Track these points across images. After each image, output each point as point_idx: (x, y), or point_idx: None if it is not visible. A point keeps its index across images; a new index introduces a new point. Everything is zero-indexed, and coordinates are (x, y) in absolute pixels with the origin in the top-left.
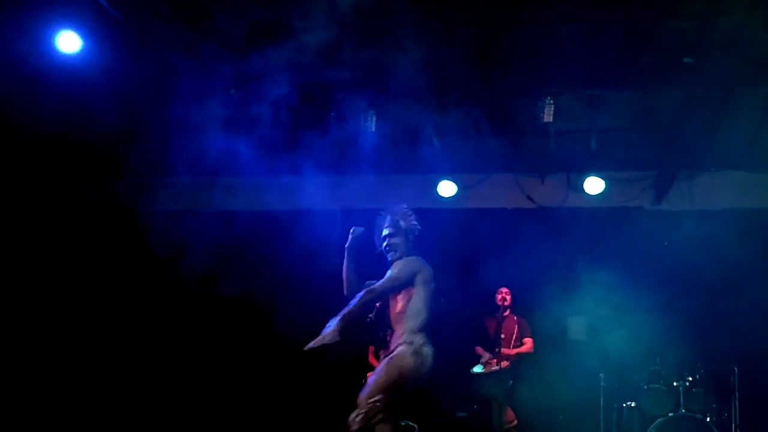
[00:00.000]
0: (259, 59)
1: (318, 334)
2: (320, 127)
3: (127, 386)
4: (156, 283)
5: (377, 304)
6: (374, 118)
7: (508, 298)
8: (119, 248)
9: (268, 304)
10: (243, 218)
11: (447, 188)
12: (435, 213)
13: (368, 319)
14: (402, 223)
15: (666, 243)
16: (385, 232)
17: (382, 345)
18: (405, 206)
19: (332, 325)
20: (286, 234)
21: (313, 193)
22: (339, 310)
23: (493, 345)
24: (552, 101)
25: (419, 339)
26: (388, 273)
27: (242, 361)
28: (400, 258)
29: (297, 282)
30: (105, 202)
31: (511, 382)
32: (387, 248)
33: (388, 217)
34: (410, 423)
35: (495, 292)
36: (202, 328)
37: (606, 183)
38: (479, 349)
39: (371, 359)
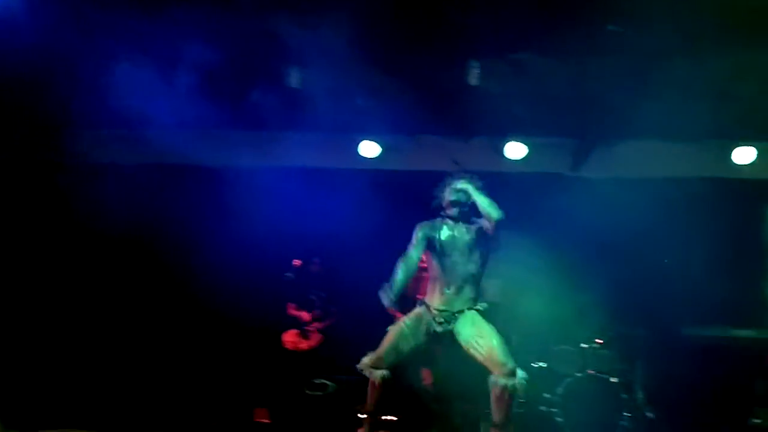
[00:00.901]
0: (177, 13)
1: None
2: (242, 84)
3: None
4: (73, 240)
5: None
6: (298, 75)
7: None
8: (33, 203)
9: (186, 261)
10: (160, 172)
11: (369, 149)
12: (357, 174)
13: (286, 277)
14: (464, 196)
15: (582, 209)
16: (453, 197)
17: (306, 306)
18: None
19: None
20: (204, 190)
21: (232, 149)
22: (258, 268)
23: (410, 305)
24: (478, 64)
25: None
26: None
27: (156, 319)
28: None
29: (215, 239)
30: (19, 155)
31: None
32: (451, 204)
33: (456, 186)
34: (325, 381)
35: None
36: (117, 284)
37: (528, 148)
38: (391, 309)
39: (291, 311)
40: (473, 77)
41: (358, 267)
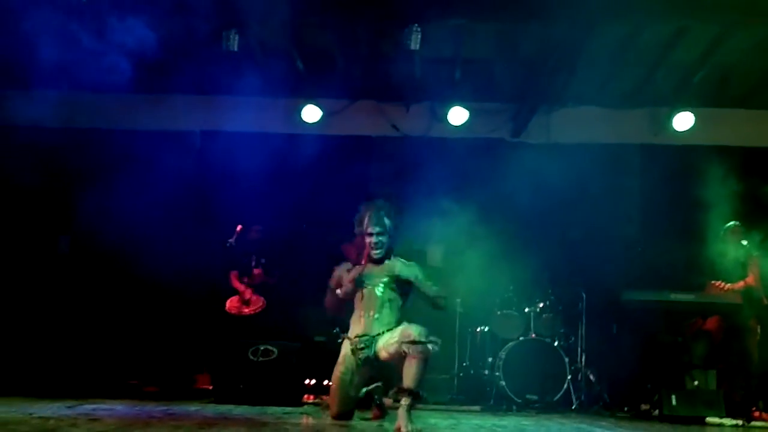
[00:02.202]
0: None
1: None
2: (182, 45)
3: None
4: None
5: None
6: (236, 38)
7: None
8: None
9: (120, 229)
10: (97, 137)
11: (311, 113)
12: (299, 138)
13: (228, 244)
14: (387, 221)
15: (524, 175)
16: (376, 230)
17: (247, 271)
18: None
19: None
20: (143, 155)
21: (172, 112)
22: (199, 234)
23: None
24: (419, 29)
25: None
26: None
27: (96, 287)
28: (386, 256)
29: (157, 205)
30: None
31: None
32: (375, 246)
33: (374, 213)
34: (270, 347)
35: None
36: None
37: (469, 113)
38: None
39: (235, 283)
40: (414, 42)
41: (300, 233)
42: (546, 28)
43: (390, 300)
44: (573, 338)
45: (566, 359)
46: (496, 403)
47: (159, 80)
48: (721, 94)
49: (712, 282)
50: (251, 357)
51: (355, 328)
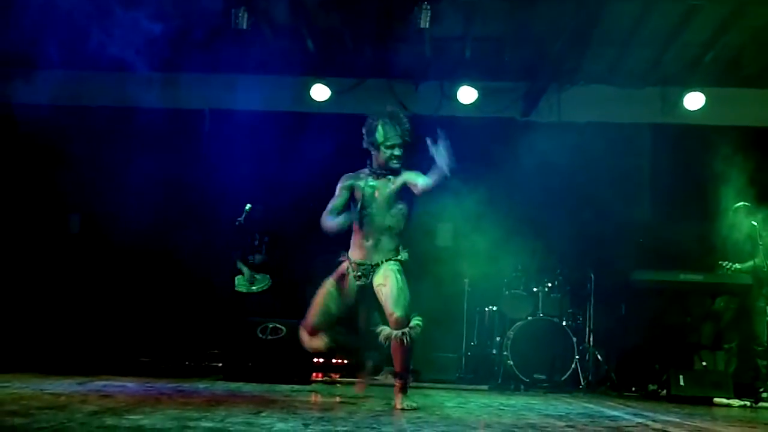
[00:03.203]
0: None
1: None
2: (191, 24)
3: None
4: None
5: (249, 208)
6: (245, 16)
7: None
8: None
9: (130, 208)
10: (107, 115)
11: (320, 92)
12: (308, 117)
13: (237, 222)
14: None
15: (533, 154)
16: (400, 141)
17: (249, 250)
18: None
19: None
20: (152, 133)
21: (181, 91)
22: (208, 212)
23: None
24: (429, 7)
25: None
26: (417, 178)
27: (107, 267)
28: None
29: (163, 184)
30: None
31: None
32: (397, 158)
33: (404, 126)
34: (278, 325)
35: None
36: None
37: (479, 93)
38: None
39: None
40: (424, 20)
41: (305, 212)
42: (557, 5)
43: (390, 227)
44: (581, 318)
45: (574, 339)
46: (503, 382)
47: (168, 59)
48: (732, 73)
49: (720, 262)
50: (260, 335)
51: (355, 253)
